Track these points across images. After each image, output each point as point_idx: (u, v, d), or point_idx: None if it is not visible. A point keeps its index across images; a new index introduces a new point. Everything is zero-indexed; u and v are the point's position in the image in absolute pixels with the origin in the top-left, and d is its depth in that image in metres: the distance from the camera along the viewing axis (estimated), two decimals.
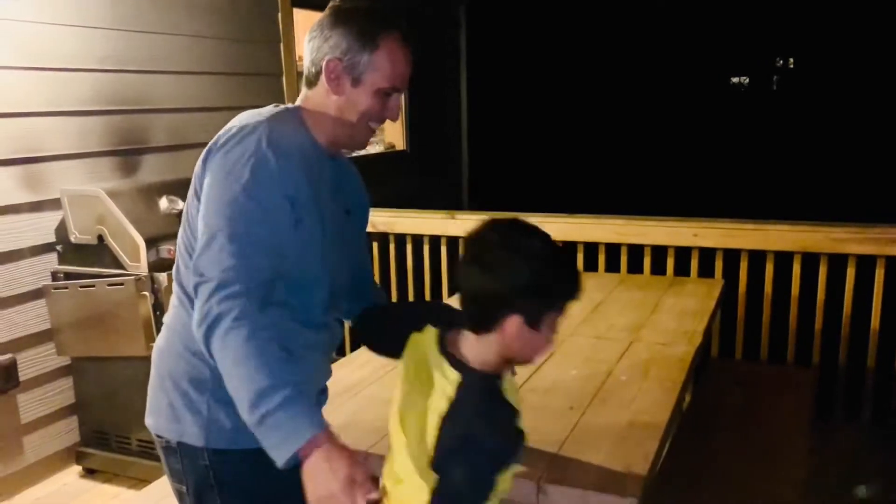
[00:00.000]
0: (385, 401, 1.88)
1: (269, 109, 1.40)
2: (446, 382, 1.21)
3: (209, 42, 3.66)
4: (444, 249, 3.74)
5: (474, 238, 1.24)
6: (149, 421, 1.47)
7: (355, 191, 1.58)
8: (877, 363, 3.06)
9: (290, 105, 1.45)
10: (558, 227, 3.52)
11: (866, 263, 3.00)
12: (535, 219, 3.83)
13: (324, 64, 1.37)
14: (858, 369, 3.10)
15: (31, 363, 3.01)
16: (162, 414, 1.43)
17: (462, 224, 3.67)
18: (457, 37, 6.27)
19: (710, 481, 2.12)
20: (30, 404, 3.02)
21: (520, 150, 9.48)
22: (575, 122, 10.93)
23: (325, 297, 1.43)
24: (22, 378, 2.96)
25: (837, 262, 3.07)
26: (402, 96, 1.46)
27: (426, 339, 1.30)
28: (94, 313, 2.89)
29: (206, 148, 1.36)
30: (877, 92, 9.73)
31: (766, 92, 13.92)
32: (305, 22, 4.12)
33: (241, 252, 1.23)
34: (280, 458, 1.15)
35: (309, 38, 1.41)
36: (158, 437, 1.45)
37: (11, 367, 2.92)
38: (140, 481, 2.89)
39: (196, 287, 1.25)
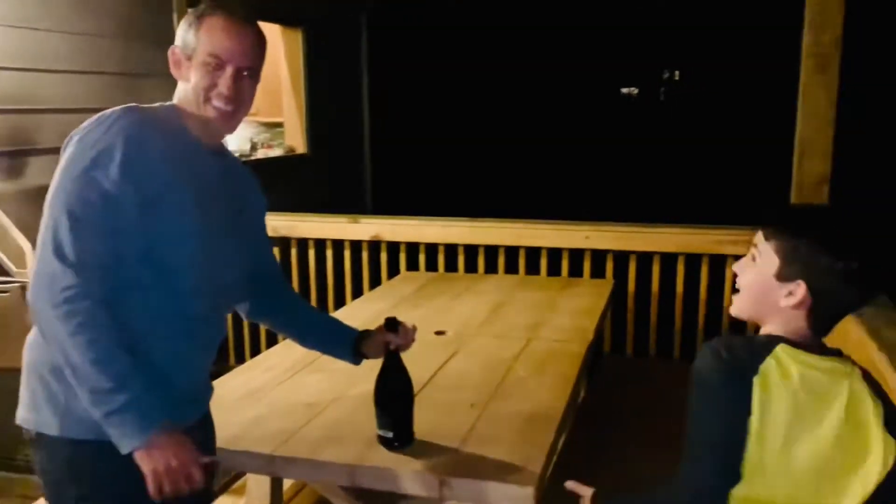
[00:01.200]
0: (290, 404, 1.89)
1: (146, 106, 1.47)
2: None
3: (102, 41, 3.53)
4: (347, 254, 3.75)
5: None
6: (17, 413, 1.46)
7: (249, 192, 1.66)
8: None
9: (170, 102, 1.52)
10: (460, 230, 3.62)
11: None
12: (439, 222, 3.90)
13: (169, 53, 1.48)
14: None
15: None
16: (24, 403, 1.44)
17: (365, 228, 3.70)
18: (358, 42, 6.28)
19: (607, 470, 2.24)
20: None
21: (422, 154, 9.57)
22: (474, 127, 11.12)
23: (195, 285, 1.45)
24: None
25: (717, 262, 3.30)
26: (241, 73, 1.46)
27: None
28: None
29: (68, 137, 1.40)
30: (756, 104, 10.40)
31: (654, 102, 14.58)
32: None
33: (77, 236, 1.29)
34: (122, 449, 1.29)
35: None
36: (24, 429, 1.45)
37: None
38: (28, 498, 2.76)
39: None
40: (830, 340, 1.32)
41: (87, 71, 3.47)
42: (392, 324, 1.70)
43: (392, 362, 1.67)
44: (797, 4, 2.83)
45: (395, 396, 1.66)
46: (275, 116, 5.62)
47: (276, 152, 5.72)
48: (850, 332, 2.08)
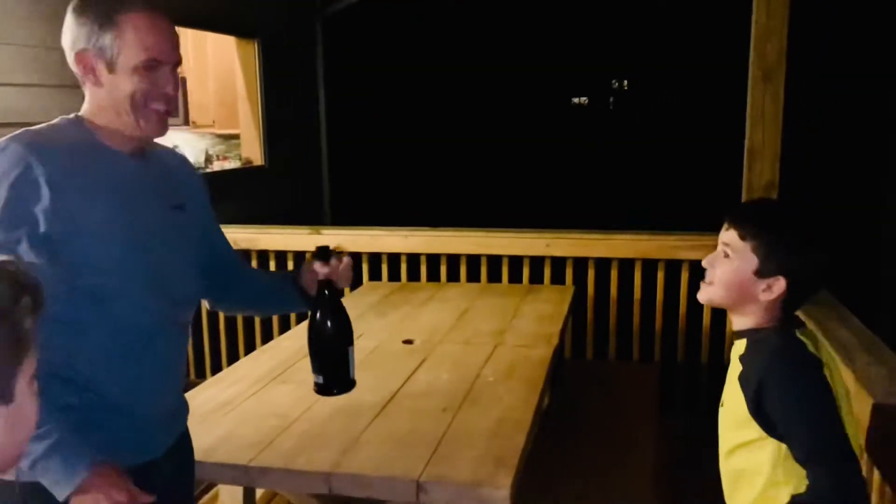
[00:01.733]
0: (261, 415, 1.89)
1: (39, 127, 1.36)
2: None
3: (12, 49, 3.35)
4: None
5: None
6: None
7: (185, 185, 1.54)
8: (709, 358, 3.40)
9: (73, 115, 1.40)
10: (422, 239, 3.65)
11: (697, 268, 3.32)
12: (400, 232, 3.92)
13: (74, 58, 1.34)
14: (694, 364, 3.43)
15: None
16: None
17: (327, 239, 3.70)
18: (314, 52, 6.28)
19: (573, 471, 2.29)
20: None
21: (380, 164, 9.59)
22: (432, 137, 11.19)
23: (138, 302, 1.36)
24: None
25: (673, 267, 3.39)
26: (175, 68, 1.39)
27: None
28: None
29: None
30: (702, 111, 10.70)
31: (603, 111, 14.89)
32: None
33: None
34: (58, 496, 1.23)
35: (63, 42, 1.37)
36: None
37: None
38: None
39: None
40: None
41: (30, 84, 3.37)
42: (322, 252, 1.52)
43: (324, 297, 1.53)
44: (747, 14, 2.95)
45: (326, 335, 1.53)
46: (230, 128, 5.58)
47: (233, 164, 5.68)
48: None
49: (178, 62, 1.38)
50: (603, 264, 3.48)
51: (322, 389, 1.56)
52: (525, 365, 2.22)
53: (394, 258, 3.72)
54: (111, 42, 1.31)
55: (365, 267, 3.72)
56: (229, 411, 1.96)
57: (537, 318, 2.73)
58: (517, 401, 1.95)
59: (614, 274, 3.46)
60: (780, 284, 1.37)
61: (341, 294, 1.54)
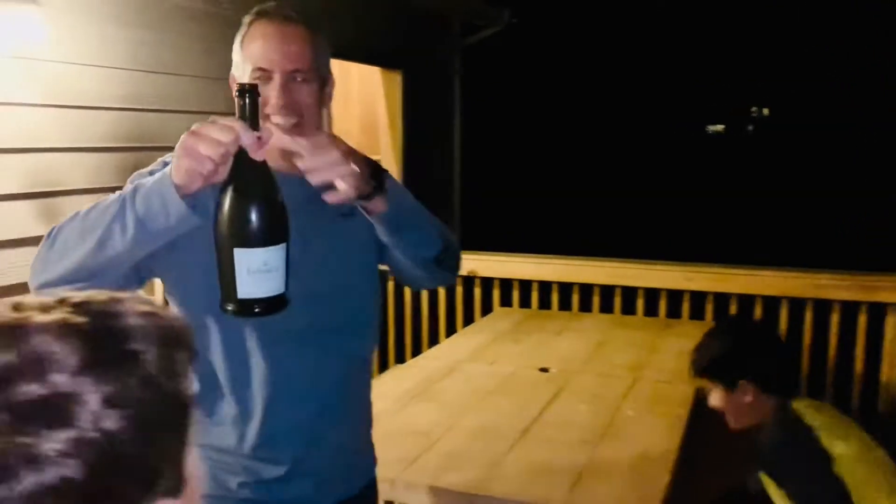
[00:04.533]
0: (403, 433, 1.97)
1: None
2: None
3: (221, 83, 3.76)
4: (441, 290, 3.85)
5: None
6: None
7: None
8: (860, 406, 3.19)
9: None
10: (555, 268, 3.67)
11: (850, 309, 3.15)
12: (533, 260, 3.94)
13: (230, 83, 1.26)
14: (843, 408, 3.22)
15: None
16: None
17: (463, 263, 3.78)
18: (452, 83, 6.46)
19: None
20: None
21: (515, 192, 9.69)
22: (568, 169, 11.20)
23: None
24: None
25: (822, 307, 3.22)
26: (289, 77, 1.19)
27: None
28: None
29: None
30: (848, 139, 10.10)
31: (741, 139, 14.33)
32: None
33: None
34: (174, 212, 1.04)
35: None
36: None
37: None
38: None
39: None
40: None
41: (207, 111, 3.71)
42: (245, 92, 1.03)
43: (238, 165, 1.01)
44: None
45: (216, 225, 1.01)
46: (373, 153, 5.83)
47: None
48: None
49: (297, 71, 1.19)
50: (746, 301, 3.35)
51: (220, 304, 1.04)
52: (666, 402, 2.18)
53: (525, 285, 3.75)
54: (240, 57, 1.23)
55: (496, 293, 3.77)
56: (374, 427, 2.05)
57: (677, 354, 2.66)
58: (659, 438, 1.93)
59: (758, 311, 3.33)
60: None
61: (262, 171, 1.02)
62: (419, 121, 5.72)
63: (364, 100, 5.77)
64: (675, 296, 3.48)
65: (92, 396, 0.52)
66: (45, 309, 0.55)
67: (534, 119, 10.26)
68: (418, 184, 5.96)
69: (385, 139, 5.58)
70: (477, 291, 3.81)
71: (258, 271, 0.99)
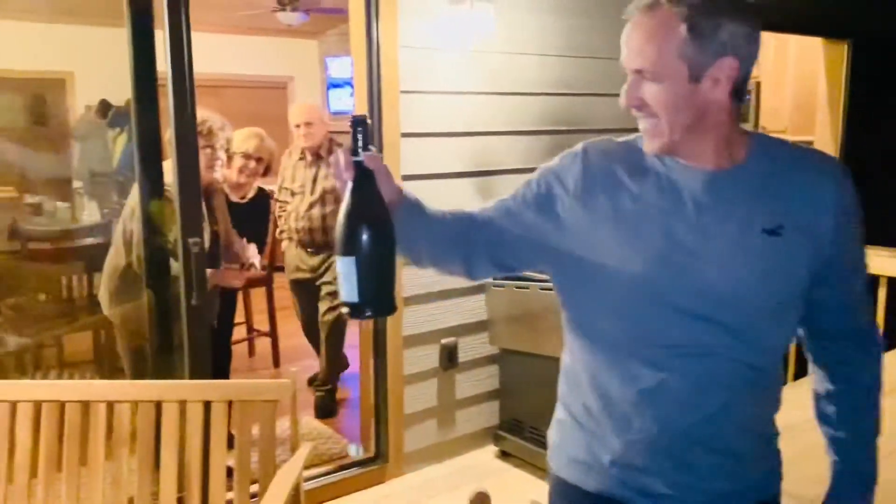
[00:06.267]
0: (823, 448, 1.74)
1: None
2: None
3: (589, 61, 3.66)
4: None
5: None
6: None
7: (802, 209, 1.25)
8: None
9: None
10: None
11: None
12: None
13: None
14: None
15: (469, 348, 3.46)
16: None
17: None
18: None
19: None
20: (464, 384, 3.47)
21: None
22: None
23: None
24: (461, 360, 3.43)
25: None
26: (639, 78, 1.18)
27: None
28: (525, 312, 3.20)
29: None
30: None
31: None
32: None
33: None
34: None
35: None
36: None
37: (454, 350, 3.39)
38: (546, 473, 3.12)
39: None
40: None
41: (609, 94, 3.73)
42: (359, 123, 1.11)
43: (361, 184, 1.12)
44: None
45: (368, 236, 1.09)
46: (804, 135, 5.28)
47: None
48: None
49: (637, 70, 1.16)
50: None
51: (355, 311, 1.11)
52: None
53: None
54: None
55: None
56: (795, 437, 1.86)
57: None
58: None
59: None
60: None
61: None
62: (867, 97, 4.99)
63: (801, 76, 5.24)
64: None
65: None
66: None
67: None
68: (864, 169, 5.18)
69: (822, 118, 4.99)
70: None
71: (340, 275, 1.11)
